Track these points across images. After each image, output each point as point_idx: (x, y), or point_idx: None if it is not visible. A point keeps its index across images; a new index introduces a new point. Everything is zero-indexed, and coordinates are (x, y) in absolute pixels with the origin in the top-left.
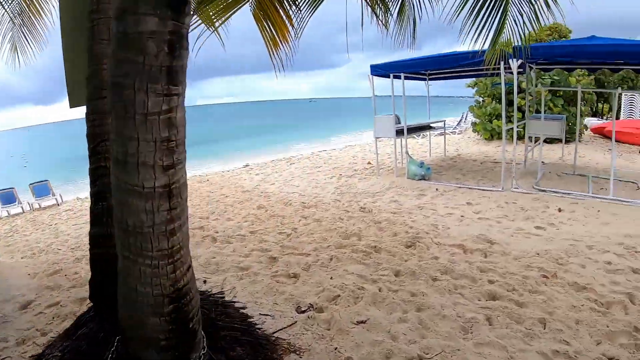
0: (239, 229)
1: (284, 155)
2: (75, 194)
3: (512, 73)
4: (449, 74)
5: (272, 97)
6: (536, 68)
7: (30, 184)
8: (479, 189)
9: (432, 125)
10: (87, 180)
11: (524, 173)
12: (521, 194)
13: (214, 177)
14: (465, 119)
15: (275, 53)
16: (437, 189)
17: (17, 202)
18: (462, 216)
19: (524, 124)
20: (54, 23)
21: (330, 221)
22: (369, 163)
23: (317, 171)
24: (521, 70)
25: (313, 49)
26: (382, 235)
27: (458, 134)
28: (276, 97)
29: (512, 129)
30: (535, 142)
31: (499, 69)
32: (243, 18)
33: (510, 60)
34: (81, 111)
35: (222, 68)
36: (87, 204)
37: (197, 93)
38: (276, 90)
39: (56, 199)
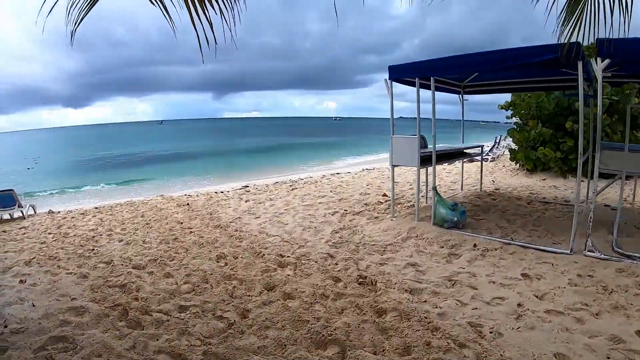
0: (168, 298)
1: (291, 177)
2: (62, 204)
3: (587, 80)
4: (489, 86)
5: (298, 114)
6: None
7: None
8: (535, 249)
9: (466, 151)
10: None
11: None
12: (597, 261)
13: (199, 200)
14: (499, 144)
15: None
16: (475, 245)
17: None
18: (519, 305)
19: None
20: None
21: (305, 302)
22: (384, 195)
23: (319, 202)
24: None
25: (340, 67)
26: (386, 349)
27: (491, 161)
28: (302, 114)
29: (582, 162)
30: (601, 178)
31: (565, 75)
32: (273, 34)
33: (592, 61)
34: (106, 115)
35: (250, 82)
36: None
37: (225, 106)
38: (302, 107)
39: (22, 211)
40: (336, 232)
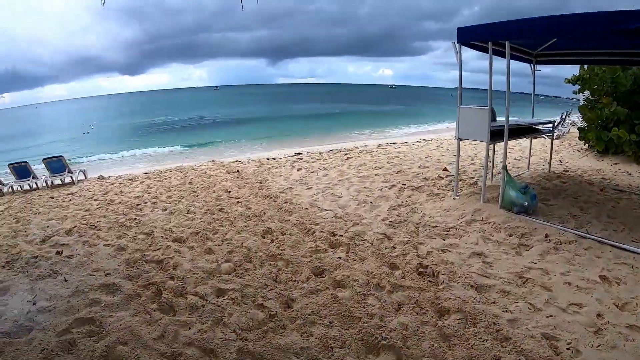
0: (206, 279)
1: (346, 145)
2: (114, 169)
3: None
4: (564, 56)
5: (353, 81)
6: None
7: (44, 159)
8: (613, 246)
9: (536, 127)
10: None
11: None
12: None
13: (250, 167)
14: (564, 120)
15: None
16: (547, 236)
17: (31, 177)
18: (598, 316)
19: None
20: None
21: (357, 293)
22: (445, 170)
23: (375, 174)
24: None
25: (397, 34)
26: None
27: (556, 138)
28: (358, 81)
29: None
30: None
31: None
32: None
33: None
34: (162, 81)
35: (307, 49)
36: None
37: (280, 72)
38: (358, 74)
39: (71, 176)
40: (393, 209)
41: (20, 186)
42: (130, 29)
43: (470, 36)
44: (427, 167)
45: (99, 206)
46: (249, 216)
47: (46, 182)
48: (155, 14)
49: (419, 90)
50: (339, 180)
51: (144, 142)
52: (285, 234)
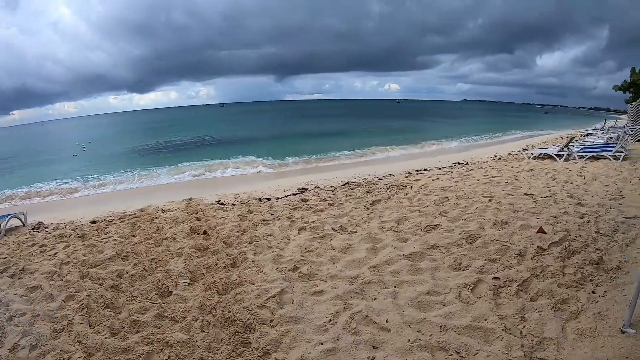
0: None
1: (363, 171)
2: (66, 209)
3: None
4: None
5: (360, 96)
6: None
7: None
8: None
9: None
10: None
11: None
12: None
13: (230, 217)
14: (623, 137)
15: None
16: None
17: None
18: None
19: None
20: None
21: None
22: (541, 231)
23: (430, 245)
24: None
25: (402, 49)
26: None
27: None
28: (364, 96)
29: None
30: None
31: None
32: (335, 17)
33: None
34: (171, 99)
35: (313, 65)
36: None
37: (287, 89)
38: (364, 89)
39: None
40: None
41: None
42: (138, 46)
43: None
44: (507, 222)
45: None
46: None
47: None
48: (163, 31)
49: (426, 104)
50: (373, 268)
51: (131, 164)
52: None
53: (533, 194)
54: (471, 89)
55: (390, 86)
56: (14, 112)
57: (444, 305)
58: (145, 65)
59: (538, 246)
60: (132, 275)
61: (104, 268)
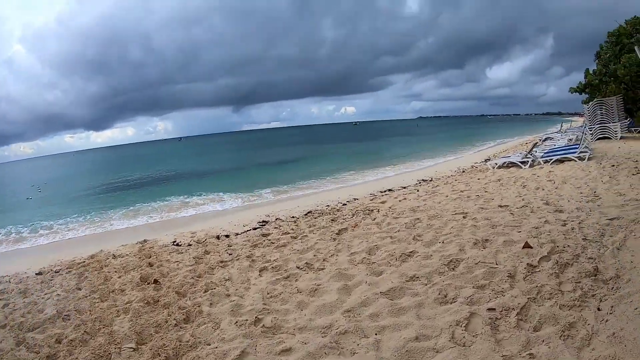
0: None
1: (325, 196)
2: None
3: None
4: None
5: (317, 121)
6: None
7: None
8: None
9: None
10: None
11: None
12: None
13: (185, 259)
14: (582, 139)
15: None
16: None
17: None
18: None
19: None
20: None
21: None
22: (527, 246)
23: (410, 276)
24: None
25: (357, 72)
26: None
27: (588, 160)
28: (321, 121)
29: None
30: None
31: None
32: (289, 45)
33: None
34: (127, 135)
35: (269, 93)
36: None
37: (244, 119)
38: (321, 114)
39: None
40: None
41: None
42: (94, 83)
43: None
44: (487, 240)
45: None
46: None
47: None
48: (119, 67)
49: (383, 124)
50: (347, 312)
51: (87, 206)
52: None
53: (507, 205)
54: (426, 106)
55: (346, 109)
56: None
57: (437, 352)
58: (102, 102)
59: (527, 263)
60: (71, 340)
61: (42, 332)
